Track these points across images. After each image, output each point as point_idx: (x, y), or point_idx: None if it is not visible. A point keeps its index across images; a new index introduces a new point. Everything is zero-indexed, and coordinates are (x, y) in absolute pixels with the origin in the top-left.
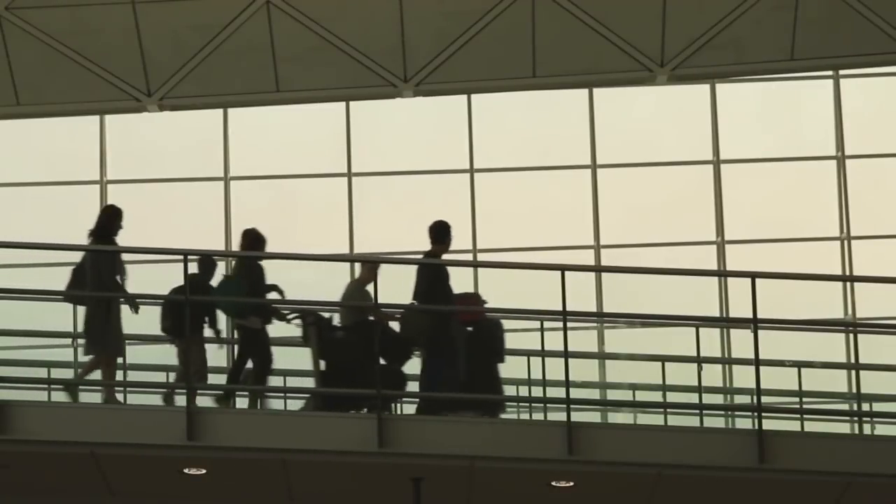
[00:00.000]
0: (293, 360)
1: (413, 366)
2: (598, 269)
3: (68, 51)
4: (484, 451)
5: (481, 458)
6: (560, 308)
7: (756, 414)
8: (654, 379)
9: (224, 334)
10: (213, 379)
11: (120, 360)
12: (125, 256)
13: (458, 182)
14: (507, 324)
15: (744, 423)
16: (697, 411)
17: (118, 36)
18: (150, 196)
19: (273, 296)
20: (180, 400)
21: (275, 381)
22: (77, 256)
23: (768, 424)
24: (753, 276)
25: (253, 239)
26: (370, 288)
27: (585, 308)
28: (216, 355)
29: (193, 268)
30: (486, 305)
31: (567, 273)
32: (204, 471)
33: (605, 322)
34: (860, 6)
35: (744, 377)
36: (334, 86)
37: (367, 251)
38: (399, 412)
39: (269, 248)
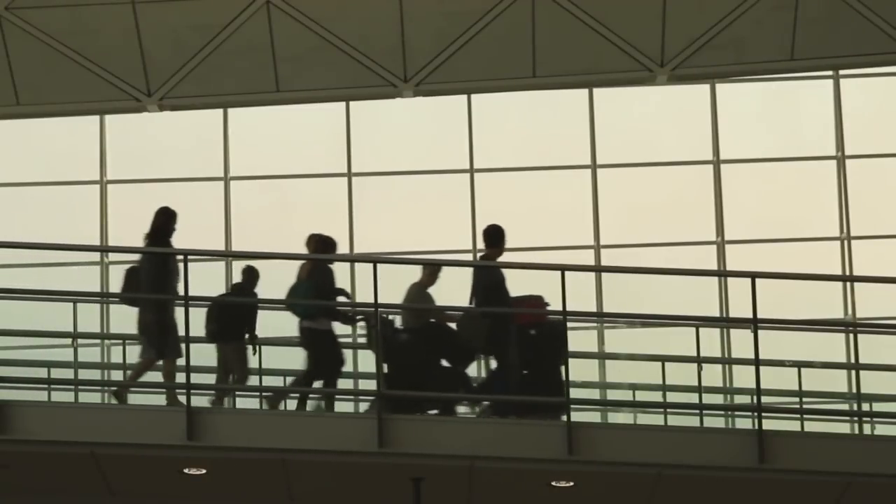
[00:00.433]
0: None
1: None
2: (598, 269)
3: (68, 51)
4: (484, 451)
5: (481, 458)
6: (560, 308)
7: (756, 414)
8: (654, 379)
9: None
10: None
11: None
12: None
13: (458, 182)
14: None
15: (744, 423)
16: (697, 411)
17: (118, 36)
18: (150, 196)
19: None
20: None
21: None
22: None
23: (768, 424)
24: (753, 276)
25: (320, 242)
26: (432, 290)
27: (585, 308)
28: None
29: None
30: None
31: (567, 273)
32: (204, 471)
33: (605, 322)
34: (860, 6)
35: (744, 377)
36: (334, 86)
37: (367, 251)
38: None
39: (269, 249)
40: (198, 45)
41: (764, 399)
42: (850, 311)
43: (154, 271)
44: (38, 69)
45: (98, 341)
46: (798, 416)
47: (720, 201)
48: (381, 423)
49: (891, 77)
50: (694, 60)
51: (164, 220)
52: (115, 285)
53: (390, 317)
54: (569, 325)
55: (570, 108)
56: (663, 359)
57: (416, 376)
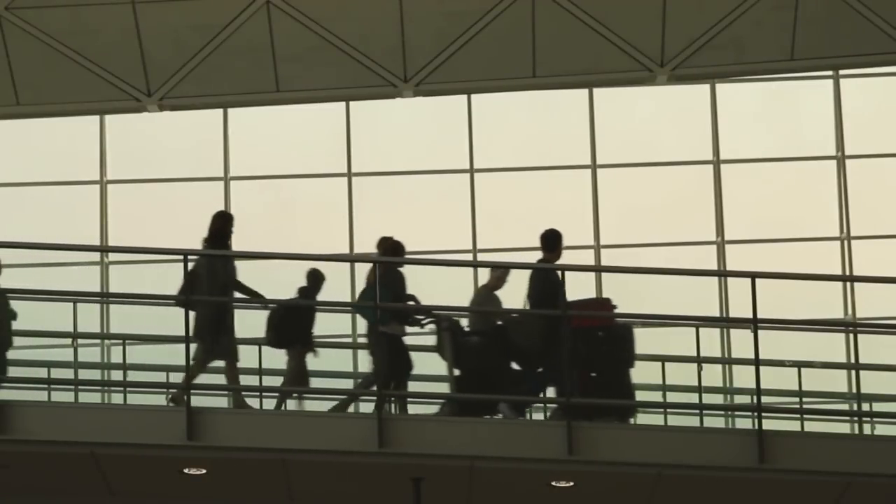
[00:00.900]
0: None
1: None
2: (598, 269)
3: (68, 51)
4: (484, 451)
5: (481, 458)
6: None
7: (756, 414)
8: (654, 379)
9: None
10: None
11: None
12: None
13: (458, 182)
14: None
15: (744, 423)
16: (697, 411)
17: (118, 36)
18: (150, 196)
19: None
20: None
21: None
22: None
23: (768, 424)
24: (753, 276)
25: (390, 247)
26: (500, 293)
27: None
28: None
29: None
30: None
31: (567, 273)
32: (204, 471)
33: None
34: (860, 6)
35: (744, 377)
36: (334, 86)
37: (367, 251)
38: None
39: (269, 249)
40: (198, 45)
41: (764, 399)
42: (850, 311)
43: (211, 274)
44: (38, 69)
45: (98, 341)
46: (798, 416)
47: (720, 201)
48: (381, 423)
49: (891, 77)
50: (694, 60)
51: (222, 224)
52: (173, 287)
53: (455, 319)
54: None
55: (570, 108)
56: (663, 359)
57: (486, 379)
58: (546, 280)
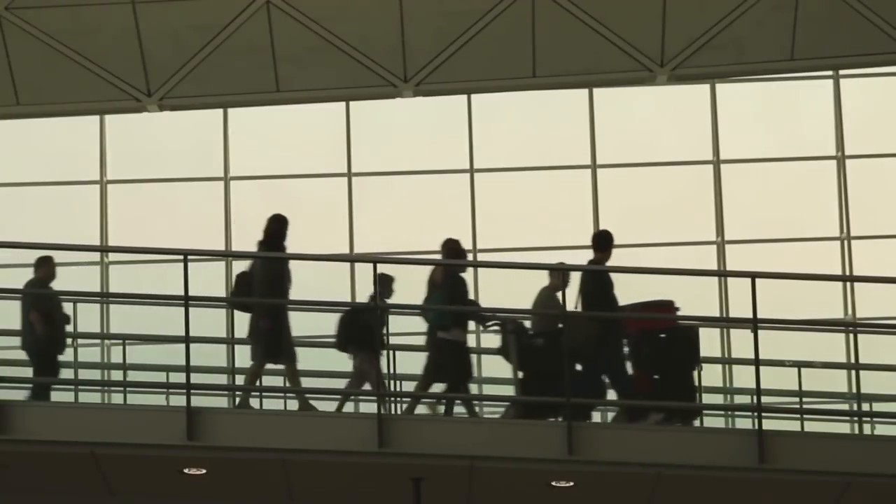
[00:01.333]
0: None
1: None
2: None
3: (68, 51)
4: (484, 451)
5: (481, 458)
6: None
7: (756, 414)
8: None
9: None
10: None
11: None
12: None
13: (458, 182)
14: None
15: (744, 423)
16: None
17: (118, 36)
18: (150, 196)
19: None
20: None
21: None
22: None
23: (768, 424)
24: (753, 276)
25: (452, 250)
26: (560, 294)
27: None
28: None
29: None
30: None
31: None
32: (204, 471)
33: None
34: (860, 6)
35: (744, 377)
36: (334, 86)
37: (367, 251)
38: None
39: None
40: (198, 45)
41: (764, 399)
42: (850, 311)
43: (267, 276)
44: (38, 69)
45: (98, 341)
46: (798, 416)
47: (720, 201)
48: (381, 423)
49: (891, 77)
50: (694, 60)
51: (278, 226)
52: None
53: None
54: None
55: (570, 108)
56: None
57: (550, 381)
58: (600, 280)
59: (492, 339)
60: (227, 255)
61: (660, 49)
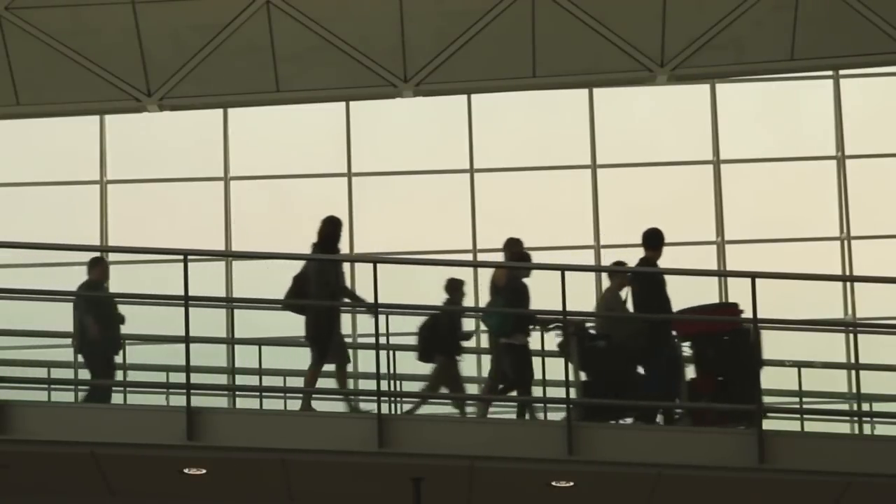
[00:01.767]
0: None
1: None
2: (598, 269)
3: (68, 51)
4: (484, 451)
5: (481, 458)
6: (560, 308)
7: (755, 414)
8: None
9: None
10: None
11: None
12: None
13: (458, 182)
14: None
15: None
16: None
17: (118, 36)
18: (150, 196)
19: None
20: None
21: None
22: None
23: (768, 424)
24: (753, 276)
25: (516, 254)
26: (622, 294)
27: (585, 308)
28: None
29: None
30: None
31: (567, 273)
32: (204, 471)
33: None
34: (860, 6)
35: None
36: (334, 86)
37: (367, 251)
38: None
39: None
40: (198, 45)
41: (764, 399)
42: (850, 311)
43: (321, 277)
44: (38, 69)
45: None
46: (798, 416)
47: (720, 201)
48: (381, 423)
49: (891, 77)
50: (694, 60)
51: (332, 229)
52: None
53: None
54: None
55: (570, 108)
56: None
57: (613, 384)
58: (652, 281)
59: (554, 342)
60: (227, 255)
61: (660, 49)
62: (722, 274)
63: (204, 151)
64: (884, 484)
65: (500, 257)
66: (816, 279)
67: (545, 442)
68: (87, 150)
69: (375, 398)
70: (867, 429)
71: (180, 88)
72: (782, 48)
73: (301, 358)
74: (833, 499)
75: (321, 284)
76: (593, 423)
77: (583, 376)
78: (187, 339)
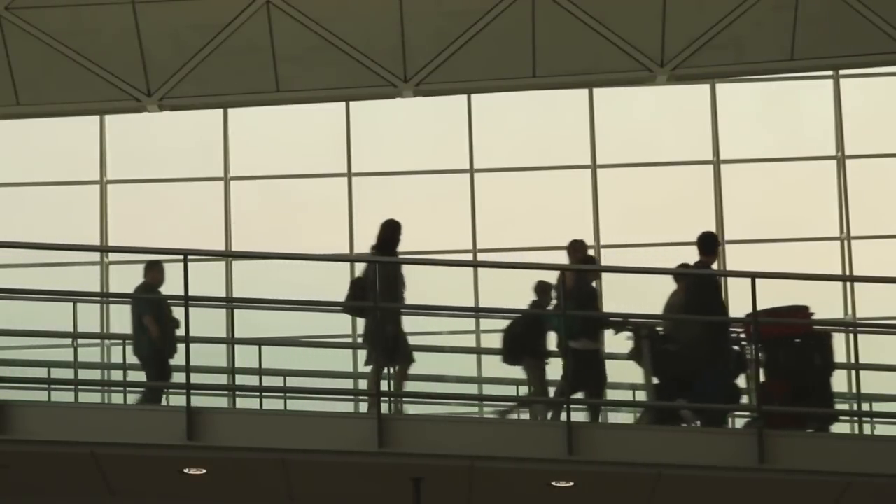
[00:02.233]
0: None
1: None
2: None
3: (68, 51)
4: (484, 451)
5: (481, 458)
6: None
7: (756, 414)
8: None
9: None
10: None
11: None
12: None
13: (458, 182)
14: (505, 323)
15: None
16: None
17: (118, 36)
18: (150, 196)
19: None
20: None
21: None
22: None
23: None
24: (753, 276)
25: (581, 260)
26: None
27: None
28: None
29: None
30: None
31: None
32: (204, 471)
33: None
34: (860, 6)
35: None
36: (334, 86)
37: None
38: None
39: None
40: (198, 45)
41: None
42: (850, 311)
43: (381, 281)
44: (38, 69)
45: (98, 341)
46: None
47: (720, 201)
48: (381, 423)
49: (891, 77)
50: (694, 60)
51: (391, 232)
52: (340, 295)
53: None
54: None
55: (570, 108)
56: None
57: (684, 387)
58: (707, 284)
59: (625, 345)
60: (227, 255)
61: (660, 49)
62: (722, 274)
63: (204, 151)
64: (884, 484)
65: (499, 257)
66: (816, 279)
67: (545, 442)
68: (87, 150)
69: (376, 398)
70: (867, 429)
71: (180, 88)
72: (782, 48)
73: (301, 358)
74: (833, 499)
75: (383, 289)
76: (594, 423)
77: (654, 379)
78: (187, 339)
